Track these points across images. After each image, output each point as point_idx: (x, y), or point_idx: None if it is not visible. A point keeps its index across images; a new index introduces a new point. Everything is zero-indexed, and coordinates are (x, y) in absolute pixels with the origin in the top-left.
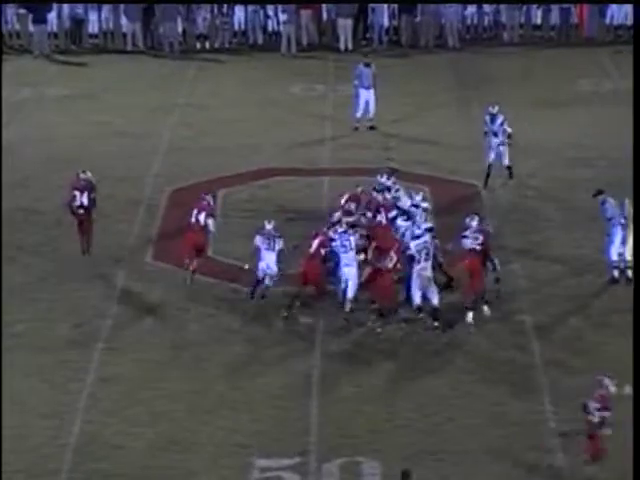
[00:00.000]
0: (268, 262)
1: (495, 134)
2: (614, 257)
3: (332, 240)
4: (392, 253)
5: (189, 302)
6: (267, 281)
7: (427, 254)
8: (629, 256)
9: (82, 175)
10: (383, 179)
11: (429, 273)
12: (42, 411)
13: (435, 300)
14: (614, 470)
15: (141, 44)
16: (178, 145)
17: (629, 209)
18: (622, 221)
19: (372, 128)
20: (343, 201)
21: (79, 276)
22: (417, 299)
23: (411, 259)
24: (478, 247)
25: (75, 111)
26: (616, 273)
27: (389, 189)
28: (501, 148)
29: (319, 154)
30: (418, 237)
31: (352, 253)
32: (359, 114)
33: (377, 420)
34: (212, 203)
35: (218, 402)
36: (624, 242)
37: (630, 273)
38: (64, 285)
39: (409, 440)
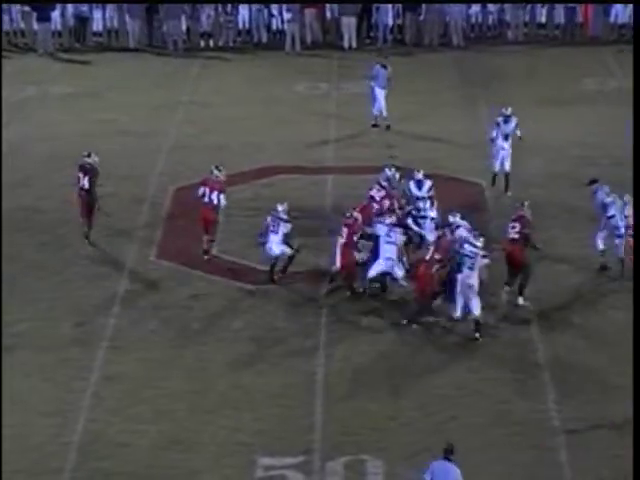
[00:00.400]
0: (270, 244)
1: (506, 137)
2: (601, 246)
3: (374, 225)
4: (430, 246)
5: (192, 301)
6: (279, 262)
7: (473, 264)
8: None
9: (86, 159)
10: (390, 173)
11: (472, 281)
12: (45, 410)
13: (477, 311)
14: (615, 469)
15: (142, 41)
16: (182, 143)
17: (629, 210)
18: (610, 213)
19: (375, 126)
20: (378, 193)
21: (82, 275)
22: (458, 309)
23: (457, 263)
24: (516, 235)
25: (79, 109)
26: (603, 259)
27: (420, 181)
28: (507, 153)
29: (323, 152)
30: (471, 245)
31: (394, 247)
32: (385, 113)
33: (381, 418)
34: (221, 177)
35: (221, 401)
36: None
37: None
38: (66, 284)
39: (413, 439)
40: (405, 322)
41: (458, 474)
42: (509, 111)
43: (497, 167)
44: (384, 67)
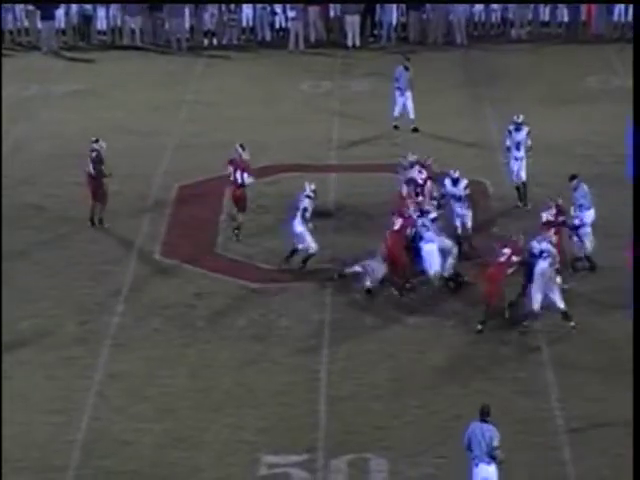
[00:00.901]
0: (294, 221)
1: (517, 146)
2: (588, 247)
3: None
4: (506, 248)
5: (196, 299)
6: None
7: (553, 261)
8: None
9: (93, 144)
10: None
11: (552, 274)
12: (48, 408)
13: (562, 304)
14: (615, 469)
15: (146, 40)
16: (186, 142)
17: None
18: (575, 213)
19: (415, 130)
20: (420, 175)
21: (86, 273)
22: (536, 304)
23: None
24: (551, 218)
25: (82, 108)
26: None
27: (456, 180)
28: (520, 162)
29: (326, 150)
30: (548, 243)
31: (431, 233)
32: (397, 113)
33: (385, 417)
34: (244, 156)
35: (224, 399)
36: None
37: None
38: (70, 282)
39: (416, 437)
40: (479, 328)
41: (495, 433)
42: (520, 119)
43: (514, 178)
44: (406, 69)
